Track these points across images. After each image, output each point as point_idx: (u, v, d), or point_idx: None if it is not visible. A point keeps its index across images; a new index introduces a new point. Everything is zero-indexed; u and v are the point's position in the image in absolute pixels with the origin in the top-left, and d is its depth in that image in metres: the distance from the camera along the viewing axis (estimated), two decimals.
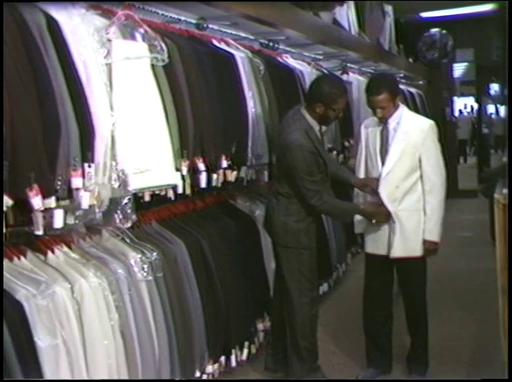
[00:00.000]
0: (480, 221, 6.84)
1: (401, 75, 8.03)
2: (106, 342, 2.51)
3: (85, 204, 2.41)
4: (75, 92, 2.38)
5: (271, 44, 4.44)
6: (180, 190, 2.98)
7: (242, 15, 3.58)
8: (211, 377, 3.30)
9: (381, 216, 3.37)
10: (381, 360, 3.56)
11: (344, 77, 5.95)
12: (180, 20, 3.38)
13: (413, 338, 3.55)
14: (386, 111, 3.35)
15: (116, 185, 2.57)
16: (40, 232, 2.27)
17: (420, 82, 9.58)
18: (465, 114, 16.40)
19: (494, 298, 3.00)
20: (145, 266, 2.81)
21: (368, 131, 3.51)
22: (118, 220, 2.71)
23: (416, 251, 3.37)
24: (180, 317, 3.01)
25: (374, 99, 3.34)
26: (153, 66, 2.82)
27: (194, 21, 3.48)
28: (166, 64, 2.88)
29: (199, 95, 3.12)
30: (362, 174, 3.57)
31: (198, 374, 3.18)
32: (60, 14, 2.42)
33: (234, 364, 3.50)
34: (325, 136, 3.57)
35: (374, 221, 3.40)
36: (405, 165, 3.34)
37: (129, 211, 2.71)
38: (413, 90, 8.94)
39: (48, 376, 2.24)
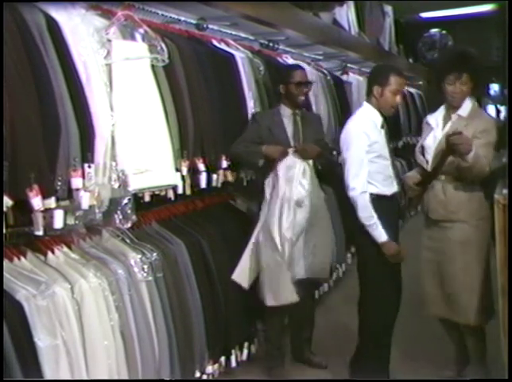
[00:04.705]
0: None
1: None
2: (106, 342, 2.51)
3: (85, 205, 2.41)
4: (75, 92, 2.38)
5: (271, 44, 4.45)
6: (180, 190, 2.99)
7: (242, 15, 3.58)
8: (211, 377, 3.30)
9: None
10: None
11: (344, 77, 5.96)
12: (179, 20, 3.38)
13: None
14: None
15: (116, 185, 2.57)
16: (40, 233, 2.27)
17: (420, 82, 9.56)
18: None
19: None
20: (145, 266, 2.81)
21: None
22: (118, 221, 2.71)
23: None
24: (180, 318, 3.01)
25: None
26: (153, 66, 2.82)
27: (194, 22, 3.49)
28: (166, 65, 2.88)
29: (199, 95, 3.13)
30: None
31: (198, 374, 3.19)
32: (59, 14, 2.43)
33: (234, 364, 3.50)
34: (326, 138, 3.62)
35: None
36: None
37: (129, 211, 2.71)
38: (412, 90, 8.93)
39: (48, 376, 2.24)
